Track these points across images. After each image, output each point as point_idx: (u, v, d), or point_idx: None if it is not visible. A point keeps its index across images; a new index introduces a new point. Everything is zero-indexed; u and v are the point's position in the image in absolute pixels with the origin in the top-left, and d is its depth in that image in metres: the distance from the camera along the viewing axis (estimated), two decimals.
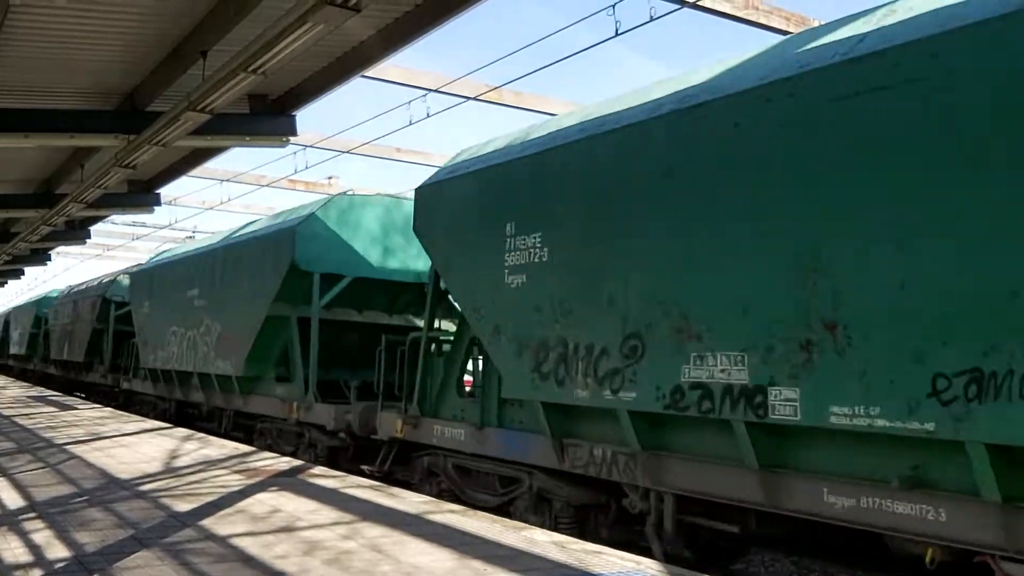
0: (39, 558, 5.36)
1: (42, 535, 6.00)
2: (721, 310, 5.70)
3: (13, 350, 36.24)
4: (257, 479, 8.86)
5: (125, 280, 21.33)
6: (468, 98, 12.08)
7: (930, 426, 4.60)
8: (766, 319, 5.41)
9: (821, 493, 5.30)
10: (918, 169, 4.73)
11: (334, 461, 11.15)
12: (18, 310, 37.32)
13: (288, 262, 11.52)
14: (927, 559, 4.91)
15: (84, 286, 25.86)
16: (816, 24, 9.81)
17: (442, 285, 9.05)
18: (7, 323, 39.38)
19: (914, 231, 4.71)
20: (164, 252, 18.86)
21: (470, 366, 9.62)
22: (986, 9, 4.56)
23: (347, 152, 16.31)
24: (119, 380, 20.48)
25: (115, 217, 21.30)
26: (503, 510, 7.88)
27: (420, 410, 9.02)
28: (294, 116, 11.03)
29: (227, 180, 19.54)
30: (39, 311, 31.46)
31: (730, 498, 5.90)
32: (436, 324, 10.03)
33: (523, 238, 7.42)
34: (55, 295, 30.42)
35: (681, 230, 6.05)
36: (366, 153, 16.58)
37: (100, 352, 22.33)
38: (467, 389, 9.46)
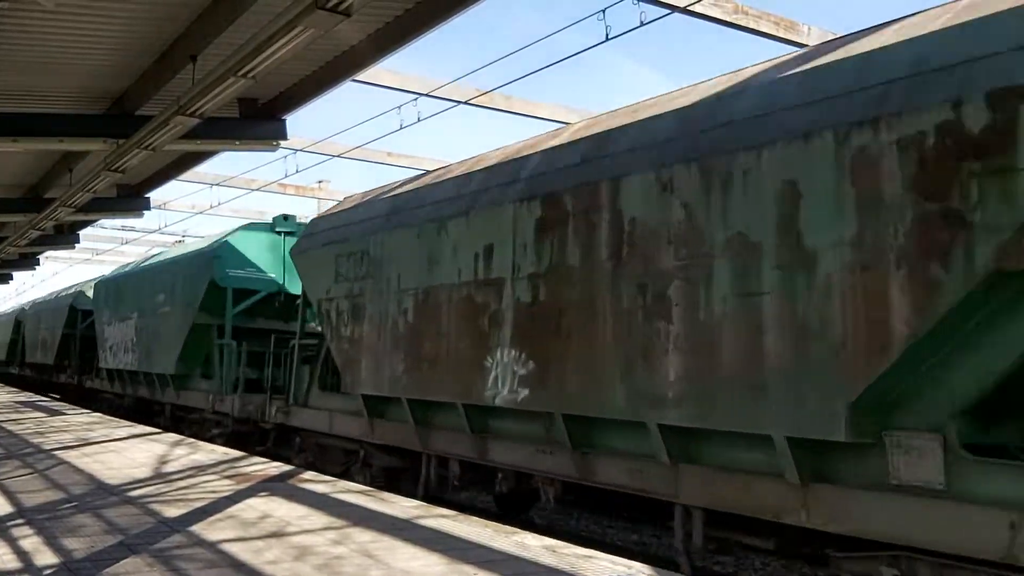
0: (27, 564, 5.33)
1: (30, 541, 5.96)
2: None
3: (112, 362, 19.85)
4: (247, 484, 8.83)
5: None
6: (458, 102, 12.06)
7: None
8: None
9: None
10: None
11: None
12: (114, 284, 20.77)
13: None
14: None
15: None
16: (805, 28, 9.85)
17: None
18: (74, 313, 24.14)
19: None
20: None
21: None
22: None
23: (338, 156, 16.27)
24: None
25: (104, 221, 21.18)
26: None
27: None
28: (284, 120, 10.99)
29: (217, 184, 19.47)
30: (216, 271, 14.40)
31: None
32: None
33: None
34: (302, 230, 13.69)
35: None
36: (357, 157, 16.55)
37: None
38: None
